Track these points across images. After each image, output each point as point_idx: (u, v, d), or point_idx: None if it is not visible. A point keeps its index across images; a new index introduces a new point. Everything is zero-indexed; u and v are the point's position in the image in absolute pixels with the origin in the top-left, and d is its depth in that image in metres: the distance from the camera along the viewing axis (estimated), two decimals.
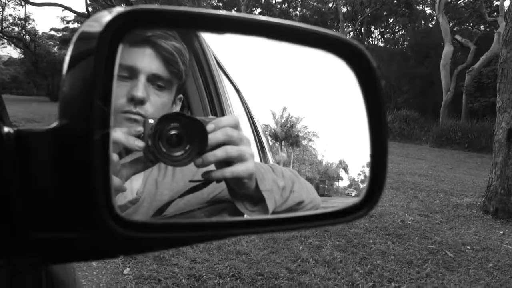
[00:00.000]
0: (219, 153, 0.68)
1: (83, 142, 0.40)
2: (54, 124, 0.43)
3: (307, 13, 35.99)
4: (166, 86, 0.84)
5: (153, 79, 0.82)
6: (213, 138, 0.67)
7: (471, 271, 3.81)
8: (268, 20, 0.48)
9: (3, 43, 33.87)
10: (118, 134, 0.64)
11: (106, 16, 0.40)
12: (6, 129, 0.41)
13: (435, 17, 26.15)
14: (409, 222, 5.23)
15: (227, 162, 0.70)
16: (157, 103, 0.82)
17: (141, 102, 0.79)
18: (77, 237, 0.43)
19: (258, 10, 37.77)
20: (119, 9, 0.41)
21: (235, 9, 36.20)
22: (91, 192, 0.40)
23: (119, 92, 0.78)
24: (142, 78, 0.80)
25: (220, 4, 36.94)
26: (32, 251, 0.42)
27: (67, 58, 0.43)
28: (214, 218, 0.75)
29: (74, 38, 0.42)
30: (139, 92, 0.79)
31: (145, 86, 0.81)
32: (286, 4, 37.05)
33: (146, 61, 0.81)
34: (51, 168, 0.42)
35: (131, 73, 0.80)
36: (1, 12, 31.44)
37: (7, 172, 0.40)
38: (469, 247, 4.42)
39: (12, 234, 0.41)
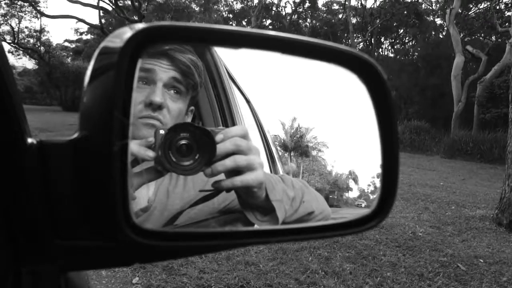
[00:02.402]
0: (228, 162, 0.69)
1: (102, 153, 0.42)
2: (75, 135, 0.44)
3: (317, 24, 36.16)
4: (181, 94, 0.88)
5: (169, 86, 0.85)
6: (222, 148, 0.68)
7: (484, 285, 3.73)
8: (281, 36, 0.49)
9: (18, 55, 34.59)
10: (130, 144, 0.66)
11: (127, 33, 0.42)
12: (29, 140, 0.43)
13: (445, 28, 26.07)
14: (420, 234, 5.16)
15: (237, 171, 0.71)
16: (173, 109, 0.85)
17: (159, 107, 0.82)
18: (95, 245, 0.44)
19: (268, 21, 38.07)
20: (140, 25, 0.43)
21: (245, 20, 36.53)
22: (109, 202, 0.42)
23: (137, 98, 0.81)
24: (159, 85, 0.83)
25: (231, 15, 37.33)
26: (53, 259, 0.44)
27: (88, 71, 0.45)
28: (227, 228, 0.76)
29: (96, 52, 0.44)
30: (158, 98, 0.82)
31: (163, 92, 0.84)
32: (296, 16, 37.29)
33: (164, 70, 0.84)
34: (71, 178, 0.43)
35: (149, 80, 0.83)
36: (18, 25, 32.19)
37: (30, 181, 0.42)
38: (482, 260, 4.33)
39: (34, 241, 0.42)
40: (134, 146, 0.66)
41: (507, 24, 21.19)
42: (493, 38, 25.88)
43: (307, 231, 0.61)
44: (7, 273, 0.42)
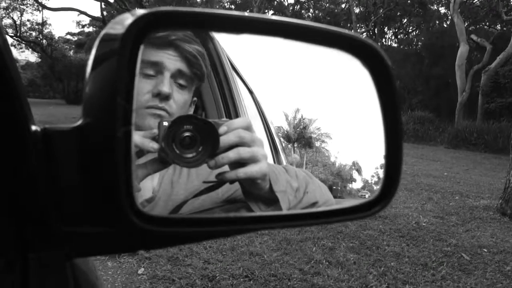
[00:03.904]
0: (232, 154, 0.69)
1: (106, 139, 0.42)
2: (79, 122, 0.45)
3: (320, 14, 35.87)
4: (187, 85, 0.87)
5: (176, 76, 0.85)
6: (225, 140, 0.68)
7: (488, 274, 3.74)
8: (285, 20, 0.49)
9: (21, 48, 34.62)
10: (134, 136, 0.66)
11: (129, 19, 0.42)
12: (33, 127, 0.43)
13: (449, 17, 25.80)
14: (423, 224, 5.16)
15: (241, 163, 0.71)
16: (179, 100, 0.85)
17: (166, 97, 0.83)
18: (100, 232, 0.44)
19: (271, 12, 37.80)
20: (141, 11, 0.43)
21: (248, 11, 36.29)
22: (113, 187, 0.42)
23: (143, 88, 0.81)
24: (167, 75, 0.83)
25: (233, 6, 37.09)
26: (59, 245, 0.44)
27: (90, 59, 0.45)
28: (232, 214, 0.77)
29: (97, 40, 0.44)
30: (166, 88, 0.82)
31: (170, 83, 0.84)
32: (298, 6, 37.01)
33: (171, 60, 0.84)
34: (76, 165, 0.44)
35: (156, 71, 0.83)
36: (20, 18, 32.15)
37: (36, 168, 0.42)
38: (485, 250, 4.34)
39: (40, 228, 0.43)
40: (138, 138, 0.67)
41: None
42: (498, 26, 25.62)
43: (311, 216, 0.61)
44: (15, 259, 0.43)
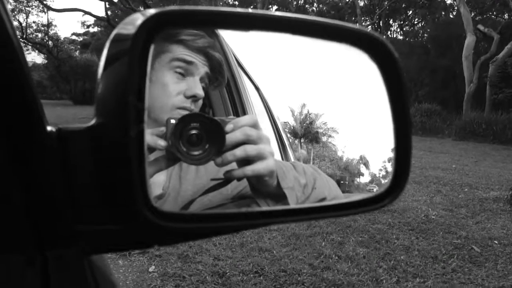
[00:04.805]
0: (238, 152, 0.70)
1: (119, 138, 0.43)
2: (92, 122, 0.45)
3: (324, 8, 35.66)
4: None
5: (202, 80, 0.90)
6: (232, 137, 0.69)
7: (499, 266, 3.72)
8: (293, 16, 0.50)
9: (27, 50, 34.82)
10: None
11: (139, 19, 0.42)
12: (49, 128, 0.44)
13: (455, 8, 25.52)
14: (433, 217, 5.14)
15: (248, 160, 0.71)
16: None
17: (197, 100, 0.87)
18: (115, 229, 0.45)
19: (275, 7, 37.64)
20: (151, 11, 0.43)
21: (252, 7, 36.16)
22: (128, 185, 0.43)
23: (176, 89, 0.86)
24: (197, 78, 0.88)
25: (236, 2, 37.01)
26: (76, 242, 0.45)
27: (102, 59, 0.45)
28: (243, 209, 0.77)
29: (108, 40, 0.45)
30: (201, 91, 0.87)
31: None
32: (302, 0, 36.82)
33: (201, 64, 0.89)
34: (90, 164, 0.45)
35: (188, 72, 0.87)
36: (25, 20, 32.38)
37: (51, 167, 0.43)
38: (496, 242, 4.31)
39: (57, 226, 0.44)
40: (147, 135, 0.67)
41: None
42: (506, 16, 25.25)
43: (321, 210, 0.62)
44: (34, 257, 0.44)
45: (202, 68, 0.89)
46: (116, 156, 0.43)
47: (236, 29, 0.55)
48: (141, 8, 24.22)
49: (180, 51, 0.86)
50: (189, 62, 0.87)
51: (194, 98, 0.86)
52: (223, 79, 0.95)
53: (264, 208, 0.76)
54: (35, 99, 0.42)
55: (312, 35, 0.54)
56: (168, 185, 0.87)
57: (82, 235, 0.45)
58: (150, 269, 3.44)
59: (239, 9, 0.47)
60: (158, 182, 0.86)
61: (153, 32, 0.43)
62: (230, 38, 1.19)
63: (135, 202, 0.42)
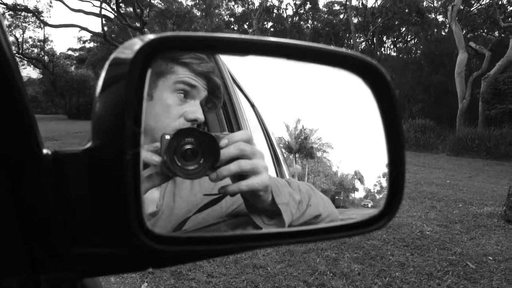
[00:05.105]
0: (233, 167, 0.70)
1: (115, 162, 0.43)
2: (88, 145, 0.46)
3: (319, 25, 36.16)
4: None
5: (202, 104, 0.91)
6: (226, 152, 0.69)
7: (494, 283, 3.71)
8: (288, 42, 0.51)
9: (23, 65, 34.85)
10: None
11: (137, 44, 0.43)
12: (44, 151, 0.44)
13: (447, 25, 25.97)
14: (427, 232, 5.13)
15: (242, 176, 0.72)
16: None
17: (198, 124, 0.88)
18: (110, 252, 0.45)
19: (270, 24, 38.14)
20: (150, 36, 0.44)
21: (247, 23, 36.62)
22: (123, 209, 0.43)
23: (177, 112, 0.86)
24: (197, 102, 0.89)
25: (232, 19, 37.45)
26: (70, 266, 0.45)
27: (99, 82, 0.46)
28: (238, 231, 0.77)
29: (107, 63, 0.46)
30: (202, 116, 0.88)
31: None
32: (297, 17, 37.32)
33: (202, 88, 0.90)
34: (85, 187, 0.45)
35: (189, 95, 0.88)
36: (22, 35, 32.51)
37: (47, 191, 0.43)
38: (491, 258, 4.31)
39: (51, 250, 0.44)
40: (142, 151, 0.68)
41: (510, 18, 21.09)
42: (496, 33, 25.76)
43: (316, 232, 0.62)
44: (27, 281, 0.43)
45: (203, 92, 0.90)
46: (112, 179, 0.44)
47: (233, 54, 0.56)
48: (137, 24, 24.40)
49: (184, 74, 0.87)
50: (193, 86, 0.88)
51: (194, 121, 0.87)
52: (219, 103, 0.97)
53: (260, 231, 0.75)
54: (32, 123, 0.42)
55: (306, 60, 0.55)
56: (162, 202, 0.87)
57: (76, 258, 0.45)
58: (143, 287, 3.38)
59: (235, 35, 0.48)
60: (152, 199, 0.86)
61: (151, 57, 0.44)
62: (228, 57, 1.21)
63: (130, 226, 0.42)
